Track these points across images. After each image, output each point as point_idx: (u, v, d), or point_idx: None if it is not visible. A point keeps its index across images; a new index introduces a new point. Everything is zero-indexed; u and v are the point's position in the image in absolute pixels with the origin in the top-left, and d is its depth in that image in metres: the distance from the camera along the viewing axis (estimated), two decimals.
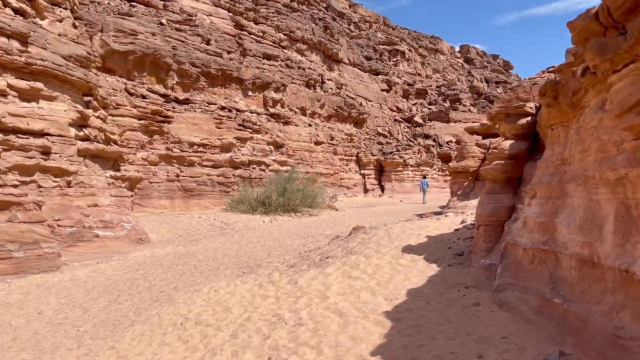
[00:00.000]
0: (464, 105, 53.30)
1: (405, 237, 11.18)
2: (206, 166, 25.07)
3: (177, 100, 26.02)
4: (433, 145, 43.04)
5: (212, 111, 26.84)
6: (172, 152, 24.10)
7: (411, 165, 38.83)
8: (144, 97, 24.25)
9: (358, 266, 8.88)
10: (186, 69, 26.36)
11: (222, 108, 27.73)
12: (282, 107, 32.32)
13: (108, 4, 27.26)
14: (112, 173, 14.03)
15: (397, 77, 53.89)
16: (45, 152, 12.03)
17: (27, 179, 11.49)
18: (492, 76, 77.04)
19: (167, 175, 23.83)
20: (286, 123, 32.23)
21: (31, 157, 11.58)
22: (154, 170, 23.39)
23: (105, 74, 23.85)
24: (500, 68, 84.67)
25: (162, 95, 25.36)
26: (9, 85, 11.55)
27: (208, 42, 29.08)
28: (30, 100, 12.21)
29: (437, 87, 58.97)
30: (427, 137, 44.72)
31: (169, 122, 24.65)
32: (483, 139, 23.69)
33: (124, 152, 15.03)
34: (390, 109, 49.33)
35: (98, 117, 14.77)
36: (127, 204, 14.36)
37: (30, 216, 10.38)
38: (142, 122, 23.33)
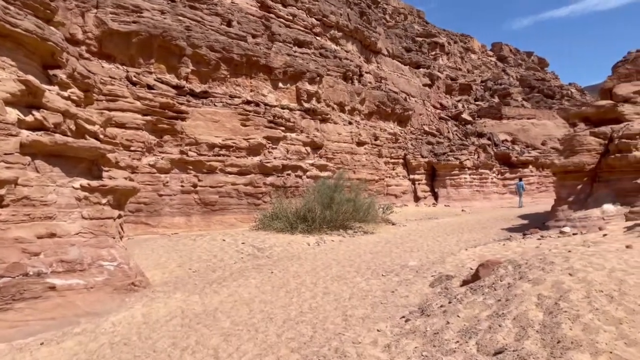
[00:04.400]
0: (516, 100, 47.34)
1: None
2: (230, 173, 19.85)
3: (192, 93, 20.93)
4: (489, 145, 37.24)
5: (237, 105, 21.68)
6: (188, 155, 18.96)
7: (468, 168, 33.12)
8: (150, 87, 19.21)
9: None
10: (203, 54, 21.28)
11: (248, 102, 22.55)
12: (318, 101, 27.04)
13: None
14: (85, 182, 8.84)
15: (439, 71, 48.24)
16: None
17: None
18: (528, 74, 70.91)
19: (182, 186, 18.68)
20: (324, 120, 26.93)
21: None
22: (165, 180, 18.26)
23: (101, 60, 18.90)
24: (535, 65, 78.39)
25: (175, 87, 20.30)
26: None
27: (229, 24, 24.01)
28: None
29: (482, 81, 53.17)
30: (480, 135, 38.94)
31: (183, 119, 19.54)
32: (595, 126, 18.00)
33: (107, 149, 9.80)
34: (434, 106, 43.69)
35: (68, 98, 9.64)
36: (110, 230, 9.15)
37: None
38: (149, 118, 18.25)
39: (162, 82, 19.91)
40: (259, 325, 7.26)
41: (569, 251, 8.45)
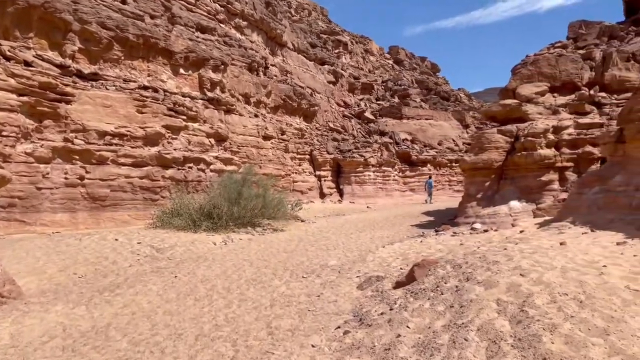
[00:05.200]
0: (414, 101, 48.78)
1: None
2: (124, 165, 17.75)
3: (80, 74, 18.46)
4: (391, 143, 37.78)
5: (132, 90, 19.51)
6: (73, 144, 16.63)
7: (372, 165, 33.24)
8: (28, 64, 16.59)
9: None
10: (93, 31, 18.89)
11: (145, 87, 20.44)
12: (223, 91, 25.44)
13: None
14: None
15: (342, 69, 48.33)
16: None
17: None
18: (422, 78, 74.04)
19: (66, 178, 16.33)
20: (228, 111, 25.38)
21: None
22: (45, 171, 15.82)
23: None
24: (428, 70, 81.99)
25: (59, 66, 17.74)
26: None
27: (124, 0, 21.68)
28: None
29: (382, 82, 54.21)
30: (383, 134, 39.45)
31: (69, 102, 17.12)
32: (501, 125, 18.35)
33: None
34: (338, 104, 43.63)
35: None
36: None
37: None
38: (25, 99, 15.68)
39: (43, 60, 17.30)
40: (165, 344, 5.91)
41: (505, 249, 7.99)
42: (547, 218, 14.08)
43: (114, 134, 17.82)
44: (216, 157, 21.73)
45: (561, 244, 8.03)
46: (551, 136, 16.31)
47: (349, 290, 8.15)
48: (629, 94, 17.93)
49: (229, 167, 21.95)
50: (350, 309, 6.89)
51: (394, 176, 35.30)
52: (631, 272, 5.92)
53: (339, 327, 6.07)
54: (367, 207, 28.60)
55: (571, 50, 20.64)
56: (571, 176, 16.15)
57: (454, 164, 42.09)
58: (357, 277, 9.17)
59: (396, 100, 48.46)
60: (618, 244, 7.70)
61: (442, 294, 6.09)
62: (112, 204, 17.16)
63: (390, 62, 73.55)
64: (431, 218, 21.31)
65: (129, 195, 17.62)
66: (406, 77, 66.37)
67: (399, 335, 5.10)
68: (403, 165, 37.42)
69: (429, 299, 6.09)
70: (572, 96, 18.11)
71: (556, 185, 15.93)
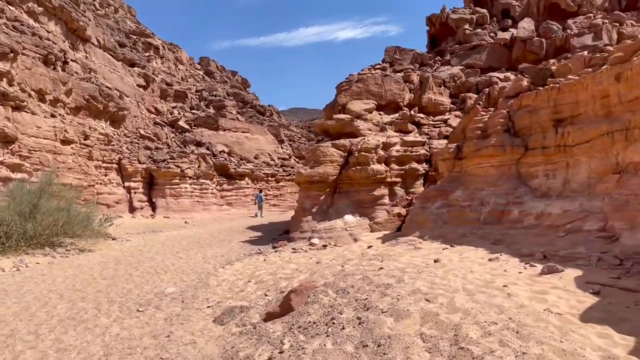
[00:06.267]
0: (231, 113, 47.71)
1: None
2: None
3: None
4: (208, 155, 36.02)
5: None
6: None
7: (190, 177, 31.08)
8: None
9: None
10: None
11: None
12: (11, 84, 21.07)
13: None
14: None
15: (154, 73, 44.99)
16: None
17: None
18: (233, 91, 73.98)
19: None
20: (17, 108, 21.06)
21: None
22: None
23: None
24: (239, 84, 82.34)
25: None
26: None
27: None
28: None
29: (197, 91, 52.08)
30: (199, 144, 37.48)
31: None
32: (334, 139, 18.24)
33: None
34: (149, 110, 40.30)
35: None
36: None
37: None
38: None
39: None
40: None
41: (381, 268, 7.30)
42: (386, 232, 14.16)
43: None
44: (0, 162, 17.66)
45: (435, 261, 7.66)
46: (381, 152, 16.69)
47: (204, 325, 6.61)
48: (443, 116, 19.44)
49: (18, 175, 18.07)
50: (219, 354, 5.40)
51: (211, 189, 33.58)
52: (532, 291, 5.64)
53: None
54: (185, 222, 26.42)
55: (391, 72, 21.79)
56: (399, 191, 16.70)
57: (270, 178, 42.07)
58: (209, 307, 7.65)
59: (212, 110, 46.85)
60: (490, 260, 7.59)
61: (343, 328, 5.01)
62: None
63: (201, 72, 71.50)
64: (259, 233, 20.35)
65: None
66: (220, 89, 65.09)
67: None
68: (221, 178, 35.91)
69: (327, 335, 4.95)
70: (397, 115, 18.95)
71: (387, 200, 16.28)
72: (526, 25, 23.60)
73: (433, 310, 4.97)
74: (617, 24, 22.04)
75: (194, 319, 7.00)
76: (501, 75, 21.69)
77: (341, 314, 5.42)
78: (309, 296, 6.45)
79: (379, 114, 19.04)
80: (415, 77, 20.61)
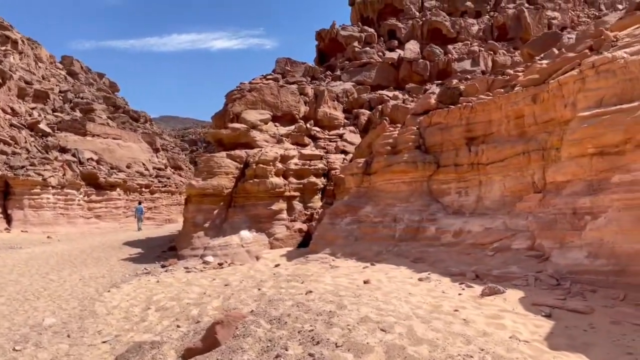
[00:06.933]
0: (100, 117, 43.96)
1: None
2: None
3: None
4: (74, 162, 32.59)
5: None
6: None
7: (53, 187, 27.67)
8: None
9: None
10: None
11: None
12: None
13: None
14: None
15: (10, 70, 39.92)
16: None
17: None
18: (102, 95, 69.05)
19: None
20: None
21: None
22: None
23: None
24: (107, 88, 77.08)
25: None
26: None
27: None
28: None
29: (60, 91, 47.32)
30: (64, 150, 33.78)
31: None
32: (228, 149, 17.16)
33: None
34: (3, 110, 35.53)
35: None
36: None
37: None
38: None
39: None
40: None
41: (310, 291, 6.60)
42: (288, 249, 13.47)
43: None
44: None
45: (365, 282, 7.14)
46: (280, 165, 16.03)
47: None
48: (338, 130, 19.37)
49: None
50: None
51: (78, 200, 30.29)
52: (485, 316, 5.35)
53: None
54: (48, 237, 23.31)
55: (284, 83, 21.33)
56: (298, 205, 16.14)
57: (144, 189, 39.35)
58: (105, 342, 6.38)
59: (78, 114, 42.80)
60: (421, 280, 7.26)
61: None
62: None
63: (63, 72, 65.43)
64: (139, 250, 18.50)
65: None
66: (87, 91, 59.90)
67: None
68: (89, 189, 32.61)
69: None
70: (292, 127, 18.46)
71: (285, 215, 15.62)
72: (412, 47, 24.67)
73: (396, 342, 4.40)
74: (492, 52, 23.89)
75: (88, 358, 5.71)
76: (390, 94, 22.32)
77: (287, 350, 4.61)
78: (237, 327, 5.54)
79: (275, 125, 18.41)
80: (310, 90, 20.36)
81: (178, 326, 6.50)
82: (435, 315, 5.34)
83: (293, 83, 21.82)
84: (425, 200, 10.94)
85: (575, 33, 14.21)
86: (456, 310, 5.60)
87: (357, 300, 5.90)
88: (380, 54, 25.73)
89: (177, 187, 45.27)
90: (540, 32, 25.88)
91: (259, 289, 7.77)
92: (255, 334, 5.20)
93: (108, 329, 6.98)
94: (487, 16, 29.41)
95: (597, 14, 34.13)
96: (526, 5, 29.11)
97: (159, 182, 42.46)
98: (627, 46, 7.68)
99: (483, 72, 21.89)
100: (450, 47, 25.34)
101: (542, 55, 12.72)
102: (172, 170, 51.64)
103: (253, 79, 22.59)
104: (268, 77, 22.99)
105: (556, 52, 11.67)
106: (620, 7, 34.58)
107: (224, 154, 16.00)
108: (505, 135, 9.75)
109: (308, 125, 18.76)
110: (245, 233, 15.04)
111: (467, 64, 23.28)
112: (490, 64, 23.05)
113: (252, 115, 17.76)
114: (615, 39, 8.40)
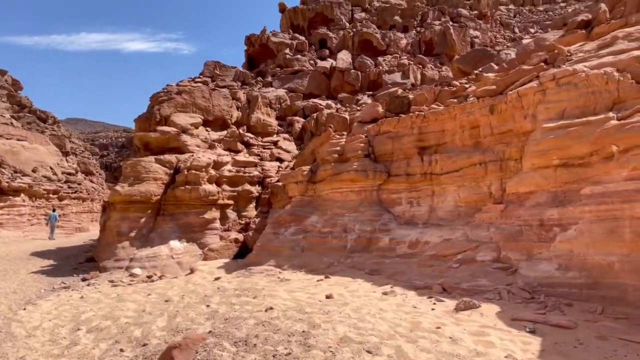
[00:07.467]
0: (3, 117, 40.26)
1: None
2: None
3: None
4: None
5: None
6: None
7: None
8: None
9: None
10: None
11: None
12: None
13: None
14: None
15: None
16: None
17: None
18: (3, 93, 63.78)
19: None
20: None
21: None
22: None
23: None
24: (9, 86, 71.46)
25: None
26: None
27: None
28: None
29: None
30: None
31: None
32: (156, 153, 16.01)
33: None
34: None
35: None
36: None
37: None
38: None
39: None
40: None
41: (270, 308, 6.02)
42: (225, 260, 12.68)
43: None
44: None
45: (327, 297, 6.66)
46: (212, 171, 15.19)
47: None
48: (272, 137, 18.82)
49: None
50: None
51: None
52: (470, 333, 5.07)
53: None
54: None
55: (214, 87, 20.48)
56: (232, 214, 15.35)
57: (51, 196, 36.42)
58: None
59: None
60: (385, 293, 6.89)
61: None
62: None
63: None
64: (51, 261, 16.81)
65: None
66: None
67: None
68: None
69: None
70: (225, 132, 17.67)
71: (218, 224, 14.78)
72: (344, 57, 24.70)
73: None
74: (421, 65, 24.44)
75: None
76: (323, 102, 22.12)
77: None
78: (197, 352, 4.87)
79: (206, 130, 17.51)
80: (242, 95, 19.64)
81: (121, 350, 5.66)
82: (419, 333, 4.98)
83: (224, 87, 21.00)
84: (376, 210, 10.69)
85: (515, 49, 14.82)
86: (438, 328, 5.28)
87: (328, 317, 5.42)
88: (311, 62, 25.55)
89: (88, 194, 42.43)
90: (464, 49, 26.96)
91: (207, 305, 7.06)
92: (220, 358, 4.58)
93: (33, 355, 5.98)
94: (415, 31, 30.26)
95: (511, 35, 36.30)
96: (451, 22, 30.30)
97: (69, 187, 39.49)
98: (583, 60, 7.89)
99: (413, 85, 22.31)
100: (380, 59, 25.69)
101: (480, 69, 12.99)
102: (83, 175, 48.36)
103: (181, 81, 21.49)
104: (197, 79, 21.97)
105: (495, 67, 11.93)
106: (532, 30, 37.04)
107: (152, 158, 14.90)
108: (459, 145, 9.74)
109: (241, 131, 18.03)
110: (175, 243, 14.04)
111: (397, 77, 23.66)
112: (419, 77, 23.59)
113: (183, 119, 16.78)
114: (569, 54, 8.64)
